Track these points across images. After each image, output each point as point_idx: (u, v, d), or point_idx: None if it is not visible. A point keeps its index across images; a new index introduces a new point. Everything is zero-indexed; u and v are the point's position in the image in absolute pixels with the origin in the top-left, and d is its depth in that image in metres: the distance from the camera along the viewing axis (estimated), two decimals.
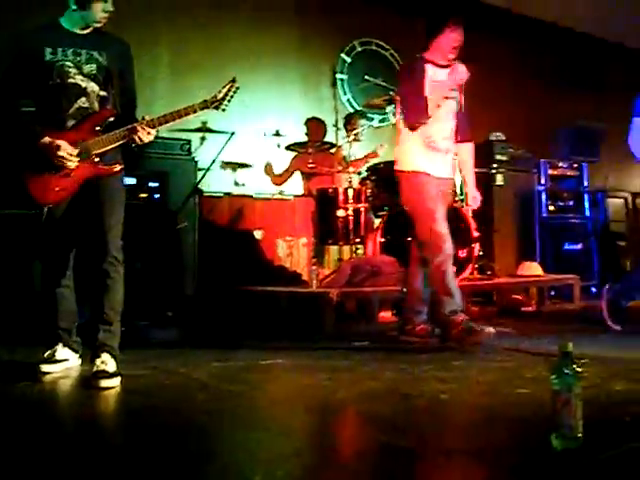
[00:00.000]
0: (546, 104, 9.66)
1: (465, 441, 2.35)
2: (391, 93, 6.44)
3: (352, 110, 7.89)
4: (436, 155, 4.39)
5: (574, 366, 2.00)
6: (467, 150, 4.69)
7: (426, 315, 4.53)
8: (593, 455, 2.01)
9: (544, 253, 7.77)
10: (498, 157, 7.57)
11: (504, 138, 7.80)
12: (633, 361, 3.62)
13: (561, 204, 8.18)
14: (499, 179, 7.43)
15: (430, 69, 4.38)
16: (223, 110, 3.73)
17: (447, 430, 2.52)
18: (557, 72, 10.07)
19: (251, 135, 7.00)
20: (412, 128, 4.36)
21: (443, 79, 4.35)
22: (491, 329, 4.15)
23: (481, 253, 6.31)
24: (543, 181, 8.06)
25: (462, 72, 4.31)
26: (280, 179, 7.15)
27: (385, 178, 6.12)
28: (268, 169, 7.11)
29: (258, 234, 6.36)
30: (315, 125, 7.33)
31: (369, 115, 7.59)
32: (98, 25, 3.49)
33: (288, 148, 6.87)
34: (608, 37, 9.26)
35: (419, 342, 4.43)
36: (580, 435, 2.01)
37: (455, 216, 6.03)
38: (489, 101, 8.70)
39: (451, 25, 4.33)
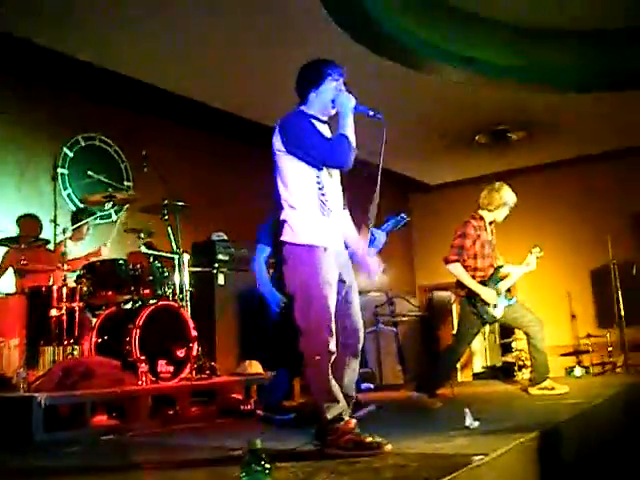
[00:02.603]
0: (268, 203, 9.99)
1: None
2: (110, 190, 6.38)
3: (72, 205, 7.69)
4: (330, 223, 3.68)
5: (263, 462, 2.02)
6: (348, 218, 3.98)
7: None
8: None
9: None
10: (220, 257, 7.72)
11: (226, 238, 7.98)
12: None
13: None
14: (220, 278, 7.56)
15: (315, 124, 3.72)
16: None
17: None
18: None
19: None
20: (344, 167, 3.67)
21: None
22: None
23: (200, 352, 6.28)
24: None
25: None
26: None
27: (103, 276, 6.00)
28: None
29: None
30: (27, 222, 7.05)
31: (97, 212, 7.39)
32: None
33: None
34: None
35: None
36: None
37: (172, 315, 6.02)
38: (211, 200, 8.88)
39: (332, 73, 3.72)
